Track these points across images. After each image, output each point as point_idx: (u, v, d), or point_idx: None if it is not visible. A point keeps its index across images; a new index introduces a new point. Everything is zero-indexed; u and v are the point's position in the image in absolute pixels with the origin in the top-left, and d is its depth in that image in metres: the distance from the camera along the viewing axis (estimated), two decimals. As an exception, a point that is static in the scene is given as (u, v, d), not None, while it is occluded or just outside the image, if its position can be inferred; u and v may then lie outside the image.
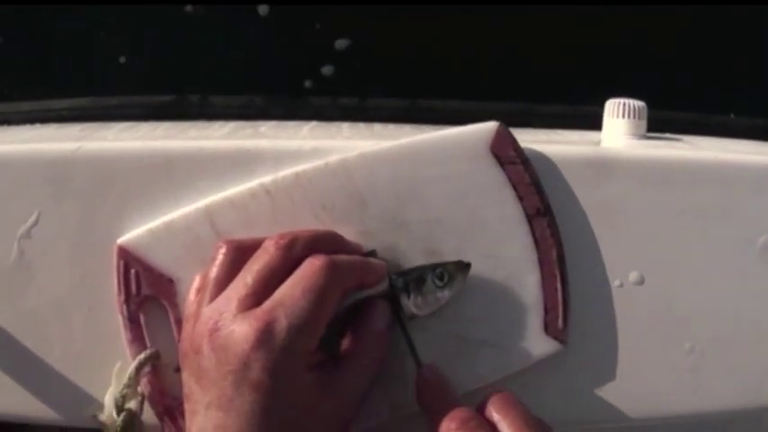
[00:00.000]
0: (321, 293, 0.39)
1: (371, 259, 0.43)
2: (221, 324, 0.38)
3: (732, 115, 0.58)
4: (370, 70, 0.56)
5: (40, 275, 0.46)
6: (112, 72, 0.57)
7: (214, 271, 0.41)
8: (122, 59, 0.56)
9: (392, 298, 0.43)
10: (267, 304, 0.38)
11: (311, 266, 0.39)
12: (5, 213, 0.46)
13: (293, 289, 0.39)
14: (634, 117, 0.49)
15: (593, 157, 0.46)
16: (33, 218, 0.46)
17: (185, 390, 0.40)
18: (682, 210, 0.46)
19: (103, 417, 0.46)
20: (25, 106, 0.56)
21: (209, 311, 0.39)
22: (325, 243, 0.42)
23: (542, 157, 0.45)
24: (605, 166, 0.46)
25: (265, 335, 0.37)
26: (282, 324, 0.37)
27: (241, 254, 0.41)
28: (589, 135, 0.52)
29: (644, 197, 0.46)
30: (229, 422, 0.37)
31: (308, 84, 0.55)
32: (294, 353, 0.38)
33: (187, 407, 0.40)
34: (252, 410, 0.37)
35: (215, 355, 0.38)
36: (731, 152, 0.49)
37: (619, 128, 0.49)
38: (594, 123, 0.52)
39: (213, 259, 0.41)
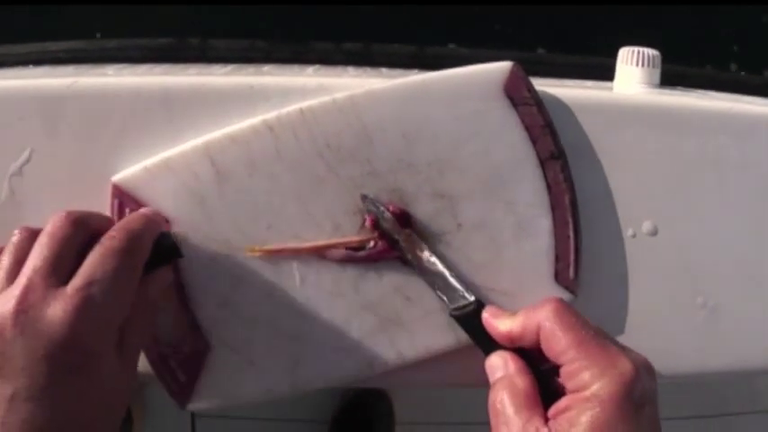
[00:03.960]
0: (132, 267, 0.38)
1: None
2: (28, 305, 0.35)
3: (743, 73, 0.57)
4: (377, 15, 0.54)
5: (32, 215, 0.44)
6: (110, 14, 0.55)
7: (8, 256, 0.38)
8: (120, 1, 0.54)
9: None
10: (77, 281, 0.36)
11: (111, 242, 0.37)
12: (-5, 151, 0.44)
13: (103, 265, 0.36)
14: (647, 65, 0.48)
15: (608, 103, 0.45)
16: (25, 155, 0.44)
17: None
18: (696, 159, 0.45)
19: (94, 364, 0.44)
20: (19, 48, 0.54)
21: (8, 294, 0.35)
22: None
23: (556, 101, 0.44)
24: (620, 112, 0.45)
25: (83, 313, 0.35)
26: (98, 301, 0.36)
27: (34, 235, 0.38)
28: (601, 84, 0.51)
29: (658, 145, 0.45)
30: (40, 413, 0.34)
31: (311, 28, 0.53)
32: (110, 330, 0.37)
33: None
34: (69, 398, 0.35)
35: (23, 340, 0.34)
36: (746, 103, 0.47)
37: (632, 76, 0.48)
38: (606, 75, 0.51)
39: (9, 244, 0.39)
